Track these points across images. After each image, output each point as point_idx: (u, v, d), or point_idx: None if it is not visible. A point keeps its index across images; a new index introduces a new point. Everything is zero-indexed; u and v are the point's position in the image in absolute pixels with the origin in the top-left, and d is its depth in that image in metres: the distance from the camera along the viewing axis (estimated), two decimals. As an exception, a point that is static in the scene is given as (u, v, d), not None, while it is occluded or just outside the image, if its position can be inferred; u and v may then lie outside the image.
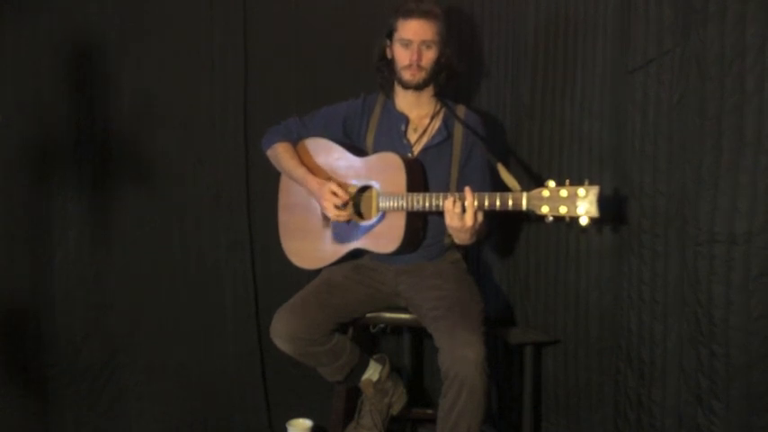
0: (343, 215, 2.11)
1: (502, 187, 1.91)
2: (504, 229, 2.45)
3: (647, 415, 1.93)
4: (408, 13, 2.12)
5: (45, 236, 2.45)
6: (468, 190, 1.86)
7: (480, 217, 1.88)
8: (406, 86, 2.16)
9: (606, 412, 2.13)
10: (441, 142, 2.16)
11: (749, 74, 1.62)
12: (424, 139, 2.17)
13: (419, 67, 2.11)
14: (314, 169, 2.23)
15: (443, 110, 2.20)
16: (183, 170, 2.57)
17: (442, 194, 1.93)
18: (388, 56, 2.20)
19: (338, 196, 2.09)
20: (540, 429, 2.35)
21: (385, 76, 2.23)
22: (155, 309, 2.58)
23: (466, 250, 2.24)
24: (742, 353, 1.67)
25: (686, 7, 1.77)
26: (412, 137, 2.19)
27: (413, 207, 1.99)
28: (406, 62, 2.12)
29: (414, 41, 2.11)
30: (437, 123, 2.19)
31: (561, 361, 2.27)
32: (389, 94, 2.24)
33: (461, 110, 2.23)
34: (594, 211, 1.69)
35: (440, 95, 2.22)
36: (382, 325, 2.22)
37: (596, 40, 2.10)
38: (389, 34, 2.17)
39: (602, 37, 2.08)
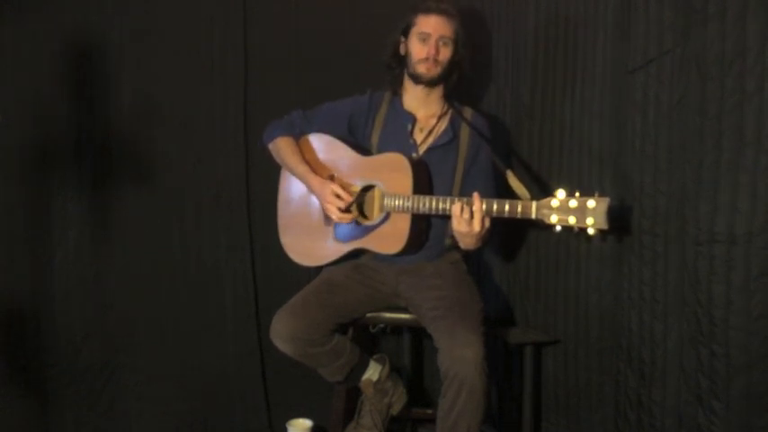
0: (347, 218, 2.10)
1: (506, 190, 1.91)
2: (505, 229, 2.44)
3: (648, 415, 1.93)
4: (429, 9, 2.14)
5: (45, 236, 2.44)
6: (476, 196, 1.86)
7: (488, 223, 1.89)
8: (418, 81, 2.16)
9: (606, 412, 2.13)
10: (446, 143, 2.16)
11: (749, 74, 1.62)
12: (430, 140, 2.18)
13: (435, 61, 2.13)
14: (316, 166, 2.22)
15: (450, 111, 2.21)
16: (183, 170, 2.57)
17: (449, 198, 1.93)
18: (401, 52, 2.21)
19: (341, 198, 2.09)
20: (540, 429, 2.35)
21: (395, 73, 2.24)
22: (155, 309, 2.57)
23: (466, 251, 2.24)
24: (742, 353, 1.67)
25: (686, 7, 1.76)
26: (418, 136, 2.19)
27: (419, 209, 1.99)
28: (423, 55, 2.13)
29: (432, 36, 2.12)
30: (444, 124, 2.20)
31: (561, 361, 2.27)
32: (398, 92, 2.24)
33: (468, 112, 2.23)
34: (603, 223, 1.70)
35: (448, 97, 2.23)
36: (382, 325, 2.22)
37: (596, 40, 2.10)
38: (405, 31, 2.18)
39: (603, 37, 2.08)
